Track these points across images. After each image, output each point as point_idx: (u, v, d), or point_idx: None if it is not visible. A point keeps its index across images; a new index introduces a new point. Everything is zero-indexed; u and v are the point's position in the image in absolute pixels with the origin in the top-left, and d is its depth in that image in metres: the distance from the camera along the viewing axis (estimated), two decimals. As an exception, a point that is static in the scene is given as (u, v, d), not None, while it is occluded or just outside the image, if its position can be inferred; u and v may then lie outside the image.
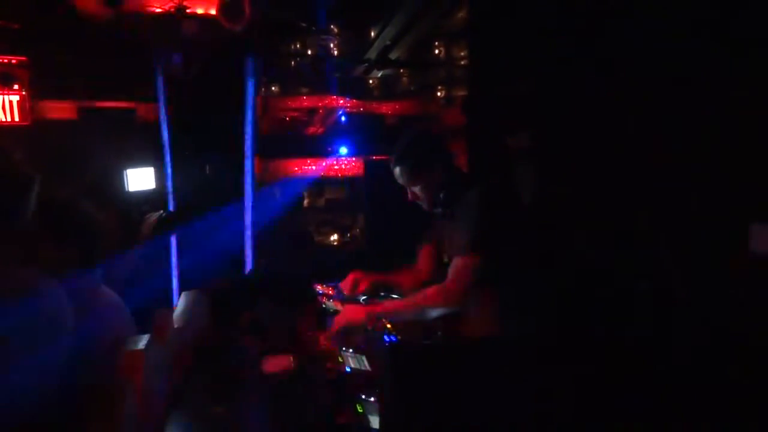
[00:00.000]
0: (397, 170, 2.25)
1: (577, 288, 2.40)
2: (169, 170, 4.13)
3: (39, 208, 1.42)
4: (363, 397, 1.66)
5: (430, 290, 2.07)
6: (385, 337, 2.15)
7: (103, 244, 1.70)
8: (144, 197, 3.08)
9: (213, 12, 3.85)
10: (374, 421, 1.54)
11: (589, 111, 3.00)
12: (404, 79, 6.02)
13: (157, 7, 3.89)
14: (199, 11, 3.97)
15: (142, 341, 1.62)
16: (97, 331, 1.49)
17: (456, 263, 2.03)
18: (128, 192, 2.98)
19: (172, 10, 3.85)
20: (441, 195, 2.21)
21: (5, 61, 4.29)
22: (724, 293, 2.36)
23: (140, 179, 3.06)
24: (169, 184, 3.97)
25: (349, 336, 2.10)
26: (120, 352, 1.54)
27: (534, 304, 2.04)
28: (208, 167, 4.28)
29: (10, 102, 4.30)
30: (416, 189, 2.25)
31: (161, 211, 2.91)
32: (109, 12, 3.69)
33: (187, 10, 3.90)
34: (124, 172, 2.97)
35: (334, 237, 5.72)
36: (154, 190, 3.14)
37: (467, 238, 2.01)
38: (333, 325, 2.16)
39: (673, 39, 2.55)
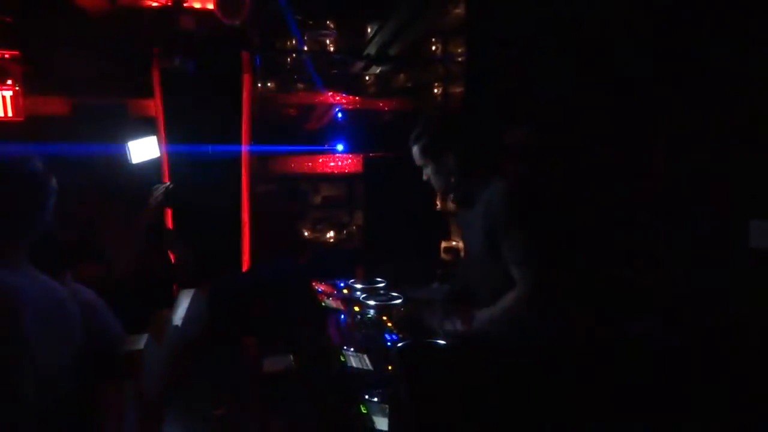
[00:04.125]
0: (414, 149, 2.21)
1: (579, 287, 2.39)
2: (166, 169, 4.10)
3: None
4: (366, 396, 1.64)
5: (510, 302, 2.02)
6: (386, 336, 2.13)
7: (62, 254, 1.65)
8: (150, 167, 3.05)
9: (210, 6, 3.81)
10: (378, 422, 1.51)
11: (586, 107, 2.99)
12: (401, 75, 5.99)
13: (154, 1, 3.85)
14: (197, 5, 3.93)
15: (141, 341, 1.60)
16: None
17: (522, 272, 1.99)
18: (132, 164, 2.94)
19: (170, 4, 3.80)
20: (452, 181, 2.16)
21: (-2, 55, 4.22)
22: (725, 290, 2.36)
23: (143, 149, 3.01)
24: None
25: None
26: (101, 350, 1.51)
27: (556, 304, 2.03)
28: (210, 149, 4.24)
29: (3, 97, 4.24)
30: (428, 170, 2.20)
31: (168, 183, 2.88)
32: (106, 5, 3.64)
33: (184, 5, 3.85)
34: (126, 145, 2.92)
35: (331, 234, 5.69)
36: (159, 158, 3.10)
37: (523, 250, 1.97)
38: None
39: (666, 35, 2.54)
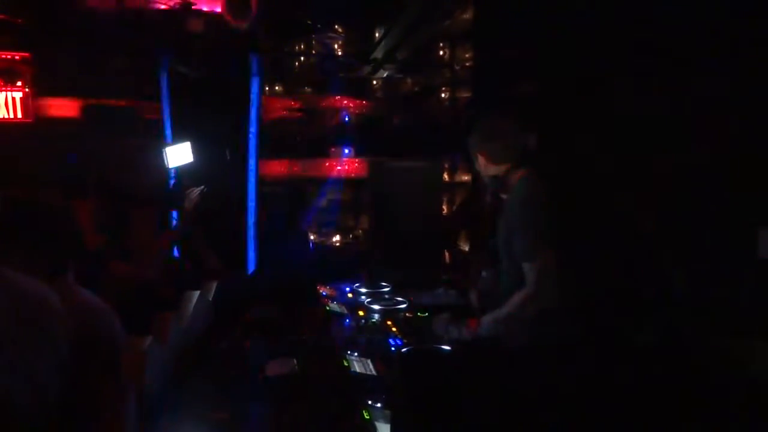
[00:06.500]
0: None
1: (585, 293, 2.38)
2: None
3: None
4: (369, 402, 1.63)
5: (518, 300, 2.02)
6: (391, 341, 2.12)
7: (76, 245, 1.62)
8: (185, 172, 3.14)
9: (218, 9, 3.83)
10: (381, 428, 1.50)
11: (594, 112, 2.97)
12: (408, 80, 5.99)
13: (162, 4, 3.87)
14: (205, 8, 3.95)
15: (145, 343, 1.59)
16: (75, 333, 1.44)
17: (531, 268, 1.99)
18: (168, 168, 3.04)
19: (178, 6, 3.82)
20: (487, 177, 2.21)
21: (8, 57, 4.26)
22: (733, 299, 2.33)
23: (179, 155, 3.11)
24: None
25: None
26: (102, 353, 1.50)
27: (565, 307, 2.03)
28: (228, 152, 4.30)
29: (13, 99, 4.28)
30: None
31: (202, 186, 2.92)
32: (115, 8, 3.68)
33: (193, 7, 3.87)
34: (163, 150, 3.02)
35: (337, 238, 5.69)
36: (192, 163, 3.20)
37: (528, 242, 1.98)
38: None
39: (677, 42, 2.52)
